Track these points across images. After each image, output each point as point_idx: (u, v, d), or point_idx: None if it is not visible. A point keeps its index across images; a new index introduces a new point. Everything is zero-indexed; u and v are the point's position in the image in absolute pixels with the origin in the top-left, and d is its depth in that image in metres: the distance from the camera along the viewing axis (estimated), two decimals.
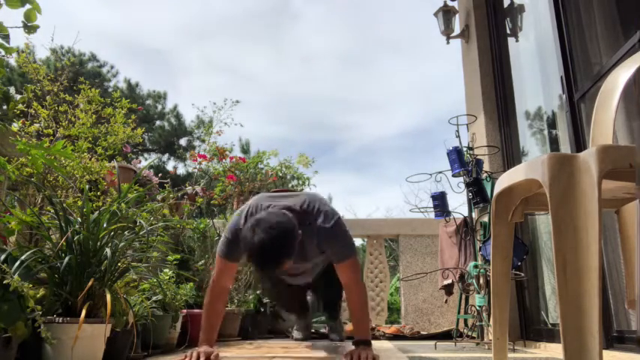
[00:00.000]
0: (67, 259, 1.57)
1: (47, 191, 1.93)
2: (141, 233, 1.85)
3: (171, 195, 3.05)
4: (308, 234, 2.04)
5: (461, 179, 3.19)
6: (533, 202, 1.35)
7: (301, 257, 2.15)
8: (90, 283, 1.55)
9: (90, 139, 2.31)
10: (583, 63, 2.51)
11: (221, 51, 30.01)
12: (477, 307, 2.78)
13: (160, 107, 14.93)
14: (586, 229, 0.96)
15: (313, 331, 3.73)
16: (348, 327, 3.41)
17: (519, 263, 2.90)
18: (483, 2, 3.84)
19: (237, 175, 3.82)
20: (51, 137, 2.20)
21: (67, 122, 2.26)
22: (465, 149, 3.17)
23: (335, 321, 3.17)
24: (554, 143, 3.07)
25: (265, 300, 3.95)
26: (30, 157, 1.76)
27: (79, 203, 2.00)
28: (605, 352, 1.98)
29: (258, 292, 3.93)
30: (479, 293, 2.77)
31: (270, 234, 1.79)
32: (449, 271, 3.20)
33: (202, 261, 3.40)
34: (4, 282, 1.35)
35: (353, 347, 2.05)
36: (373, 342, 2.55)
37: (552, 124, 3.10)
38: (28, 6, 1.62)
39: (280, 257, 1.84)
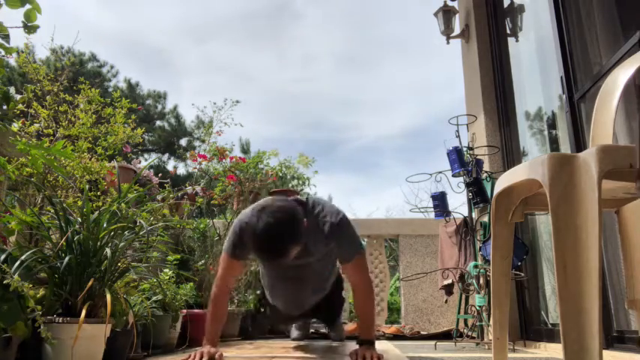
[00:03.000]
0: (67, 259, 1.57)
1: (47, 191, 1.93)
2: (141, 233, 1.85)
3: (171, 195, 3.05)
4: (314, 225, 1.99)
5: (461, 179, 3.20)
6: (533, 202, 1.35)
7: (306, 251, 2.06)
8: (90, 283, 1.55)
9: (90, 139, 2.31)
10: (583, 63, 2.51)
11: (221, 51, 30.00)
12: (477, 307, 2.78)
13: (160, 107, 14.94)
14: (586, 229, 0.96)
15: (313, 330, 3.73)
16: (349, 327, 3.41)
17: (519, 263, 2.90)
18: (483, 2, 3.84)
19: (237, 175, 3.82)
20: (51, 137, 2.20)
21: (67, 122, 2.26)
22: (465, 149, 3.18)
23: (334, 324, 3.12)
24: (554, 143, 3.07)
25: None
26: (30, 157, 1.76)
27: (79, 203, 2.00)
28: (605, 352, 1.98)
29: (258, 292, 3.93)
30: (479, 293, 2.77)
31: (275, 216, 1.72)
32: (449, 271, 3.20)
33: (202, 261, 3.40)
34: (4, 282, 1.35)
35: (356, 346, 2.04)
36: None
37: (552, 124, 3.10)
38: (28, 6, 1.62)
39: (286, 241, 1.76)
